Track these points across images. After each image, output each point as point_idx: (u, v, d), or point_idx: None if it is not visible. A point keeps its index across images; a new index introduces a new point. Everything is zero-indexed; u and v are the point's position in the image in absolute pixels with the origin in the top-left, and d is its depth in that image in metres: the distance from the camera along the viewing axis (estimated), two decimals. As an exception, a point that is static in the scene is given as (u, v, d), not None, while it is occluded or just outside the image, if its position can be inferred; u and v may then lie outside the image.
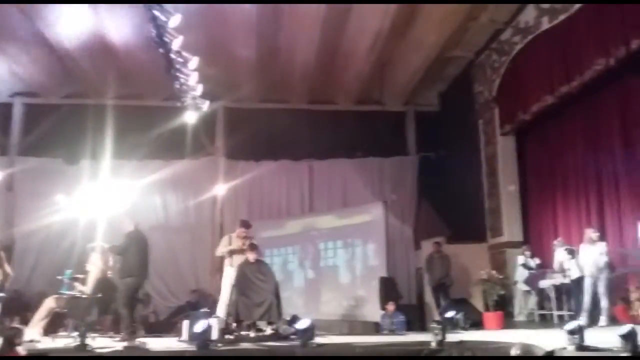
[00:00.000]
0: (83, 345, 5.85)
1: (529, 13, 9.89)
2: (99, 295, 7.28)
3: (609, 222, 8.71)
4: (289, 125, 13.57)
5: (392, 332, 8.87)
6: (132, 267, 6.93)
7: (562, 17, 8.95)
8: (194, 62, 8.07)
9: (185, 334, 7.11)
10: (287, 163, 13.77)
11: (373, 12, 10.09)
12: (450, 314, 9.00)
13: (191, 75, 8.35)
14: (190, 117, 9.53)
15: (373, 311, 10.51)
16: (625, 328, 4.68)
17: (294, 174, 13.86)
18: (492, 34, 11.19)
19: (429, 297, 11.29)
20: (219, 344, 6.61)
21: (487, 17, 10.52)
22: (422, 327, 9.88)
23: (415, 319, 10.74)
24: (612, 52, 7.79)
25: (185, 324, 7.19)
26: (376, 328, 10.06)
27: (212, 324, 6.88)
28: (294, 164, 13.82)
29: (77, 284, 7.38)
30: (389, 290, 10.57)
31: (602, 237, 8.17)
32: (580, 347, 5.07)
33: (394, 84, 13.17)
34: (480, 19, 10.54)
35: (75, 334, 6.33)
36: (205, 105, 9.28)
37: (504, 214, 11.08)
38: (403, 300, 11.54)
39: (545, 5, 9.36)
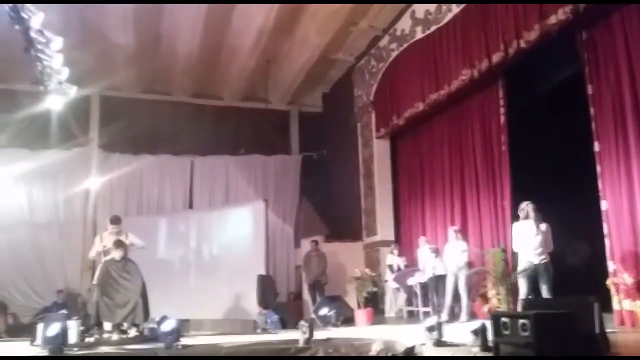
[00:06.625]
0: None
1: (405, 22, 10.18)
2: None
3: (470, 223, 9.12)
4: (171, 118, 13.17)
5: (264, 330, 8.83)
6: None
7: (433, 27, 9.27)
8: (57, 42, 7.40)
9: (39, 338, 6.64)
10: (168, 158, 13.28)
11: (257, 8, 10.01)
12: (323, 311, 9.23)
13: (55, 57, 7.67)
14: (55, 103, 8.78)
15: (251, 309, 10.46)
16: (476, 324, 5.01)
17: (174, 169, 13.39)
18: (371, 39, 11.49)
19: (306, 295, 11.47)
20: (75, 348, 6.24)
21: (367, 23, 10.78)
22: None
23: (293, 317, 10.83)
24: (476, 64, 8.15)
25: (40, 326, 6.70)
26: (255, 326, 10.01)
27: (69, 326, 6.53)
28: (174, 159, 13.35)
29: None
30: (267, 287, 10.56)
31: (464, 237, 8.60)
32: (438, 342, 5.37)
33: (279, 83, 13.17)
34: (360, 24, 10.78)
35: None
36: (73, 91, 8.60)
37: (378, 214, 11.38)
38: (281, 297, 11.61)
39: (420, 15, 9.67)
